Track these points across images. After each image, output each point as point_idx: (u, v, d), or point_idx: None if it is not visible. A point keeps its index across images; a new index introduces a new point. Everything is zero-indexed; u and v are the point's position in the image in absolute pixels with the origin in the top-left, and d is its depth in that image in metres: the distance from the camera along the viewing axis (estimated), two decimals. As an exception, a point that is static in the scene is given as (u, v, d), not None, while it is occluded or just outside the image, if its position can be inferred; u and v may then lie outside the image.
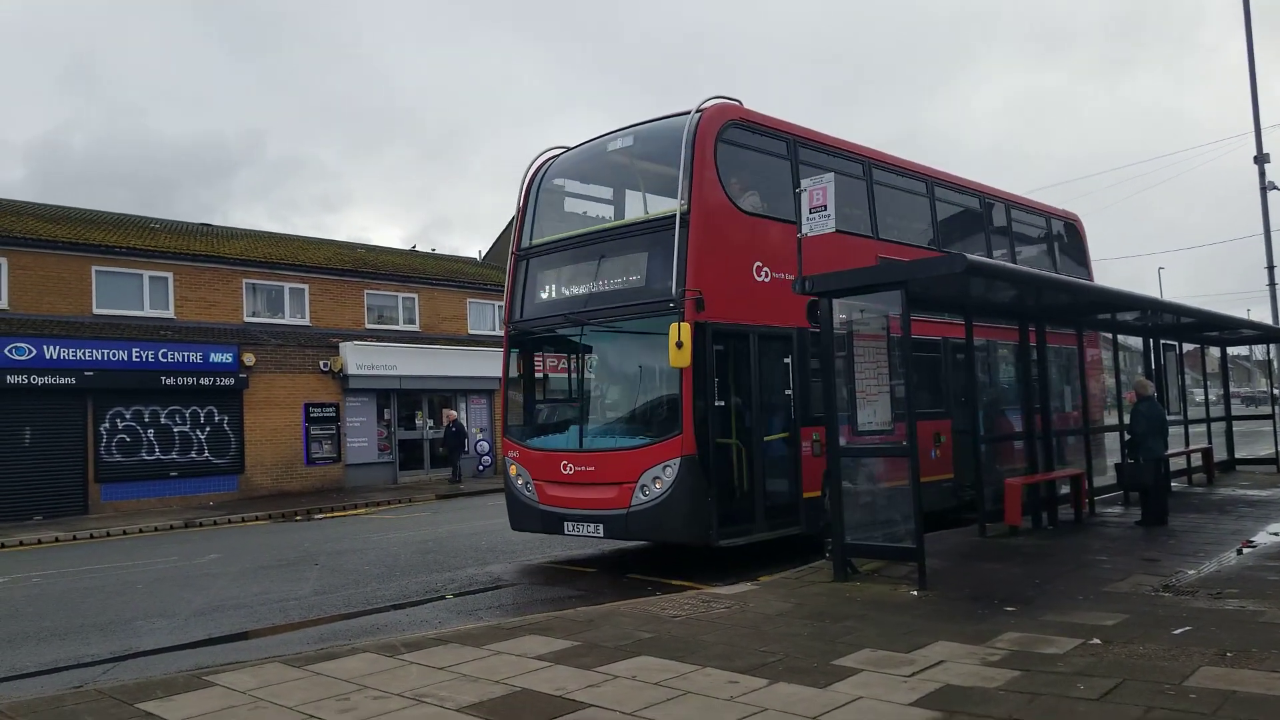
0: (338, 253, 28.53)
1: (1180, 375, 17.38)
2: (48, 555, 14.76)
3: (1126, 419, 12.86)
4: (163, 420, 21.65)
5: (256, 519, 19.02)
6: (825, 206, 9.28)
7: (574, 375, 11.44)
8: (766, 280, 10.61)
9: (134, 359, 20.99)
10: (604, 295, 10.65)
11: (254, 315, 24.42)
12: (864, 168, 12.23)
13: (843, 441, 8.70)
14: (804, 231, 9.48)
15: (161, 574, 12.01)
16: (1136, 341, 15.88)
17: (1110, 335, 14.81)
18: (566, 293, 11.13)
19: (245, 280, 24.30)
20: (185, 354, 21.87)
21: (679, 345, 9.27)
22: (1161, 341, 15.80)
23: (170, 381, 21.48)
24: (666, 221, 10.07)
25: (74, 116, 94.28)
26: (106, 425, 20.82)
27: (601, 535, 10.33)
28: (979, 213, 14.62)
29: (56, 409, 20.12)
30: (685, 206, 9.95)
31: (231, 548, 14.41)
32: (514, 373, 11.73)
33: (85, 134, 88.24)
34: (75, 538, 16.94)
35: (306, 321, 25.33)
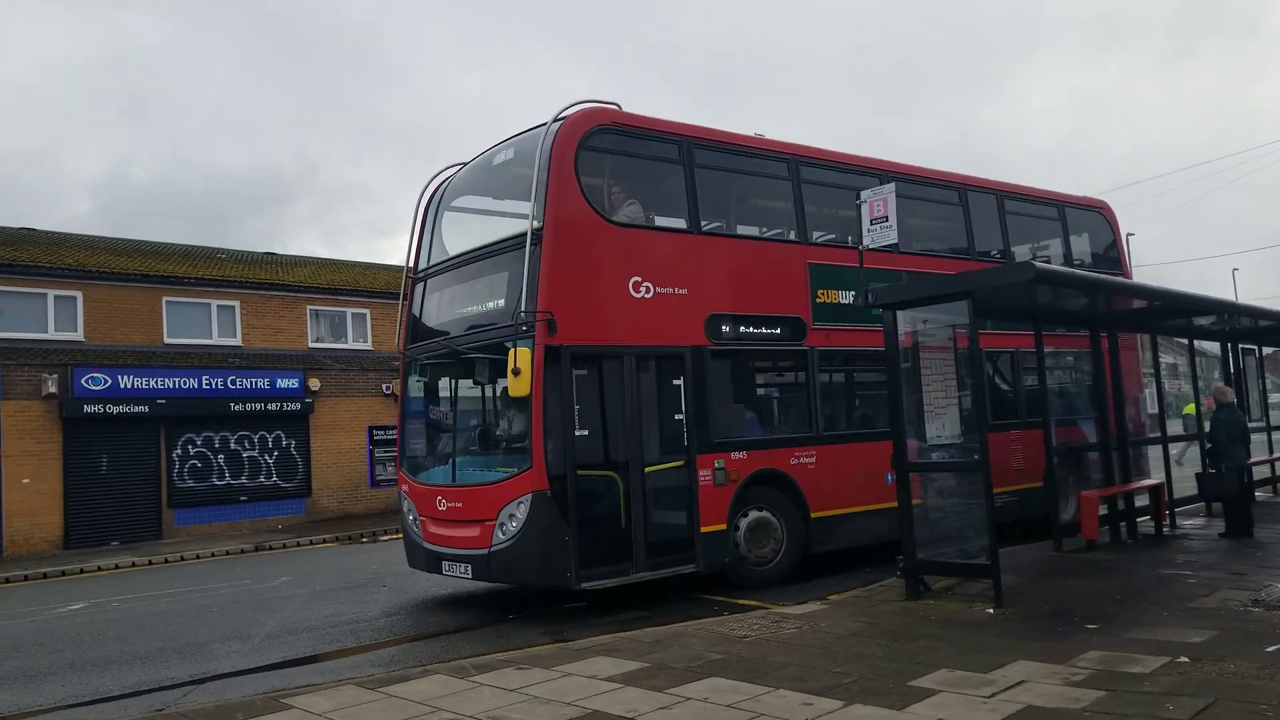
0: (396, 278, 28.83)
1: (1261, 380, 16.74)
2: (125, 580, 15.14)
3: (1204, 427, 12.45)
4: (232, 446, 22.15)
5: (324, 541, 19.32)
6: (886, 217, 9.18)
7: (450, 406, 10.88)
8: (648, 296, 9.73)
9: (204, 386, 21.54)
10: (473, 319, 10.08)
11: (318, 341, 24.90)
12: (789, 166, 11.24)
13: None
14: (865, 244, 9.36)
15: (235, 597, 12.24)
16: (1213, 347, 15.37)
17: (1186, 340, 14.34)
18: (446, 318, 10.62)
19: (309, 307, 24.81)
20: (253, 380, 22.38)
21: (515, 373, 8.64)
22: (1240, 346, 15.28)
23: (239, 408, 21.99)
24: (522, 240, 9.37)
25: (134, 151, 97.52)
26: (179, 451, 21.36)
27: (470, 577, 9.69)
28: (959, 207, 13.22)
29: (131, 436, 20.71)
30: (538, 223, 9.21)
31: (301, 570, 14.64)
32: (406, 403, 11.28)
33: (145, 167, 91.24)
34: (151, 562, 17.37)
35: (368, 346, 25.74)
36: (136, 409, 20.47)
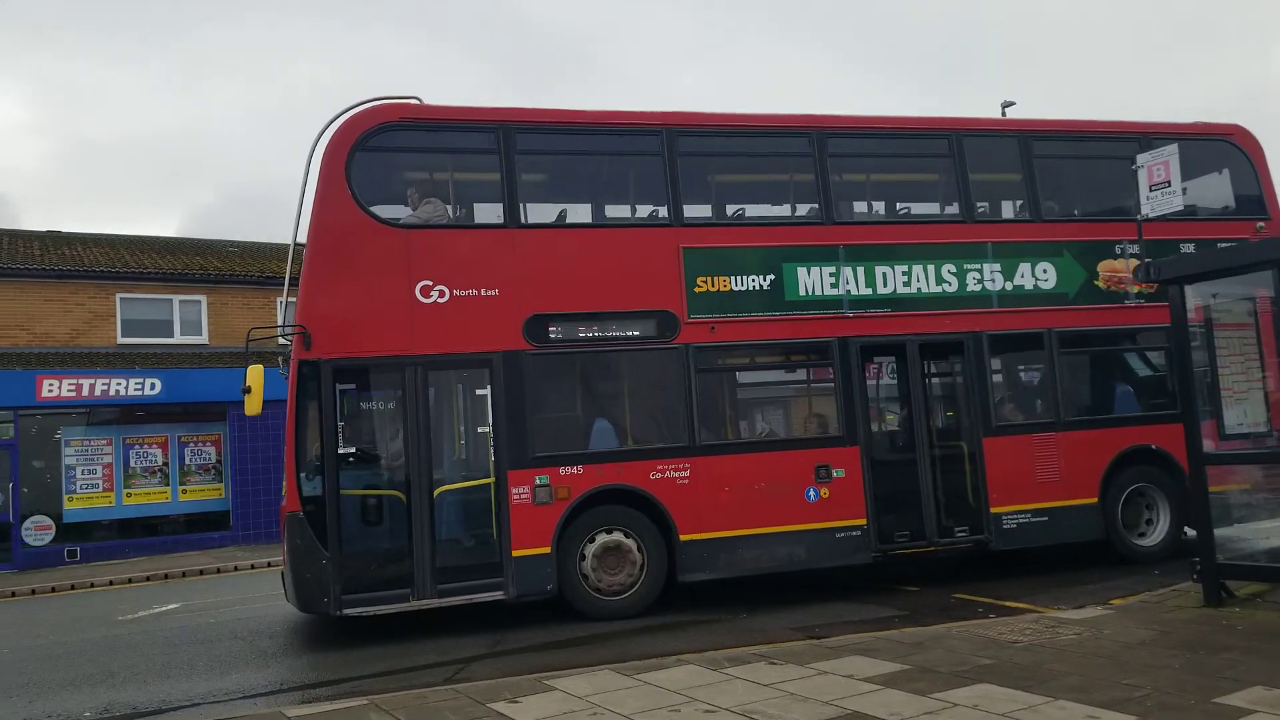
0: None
1: None
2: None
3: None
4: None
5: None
6: (1168, 182, 8.22)
7: None
8: (442, 301, 8.90)
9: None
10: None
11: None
12: (662, 138, 9.73)
13: (1209, 446, 7.61)
14: (1145, 213, 8.45)
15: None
16: None
17: None
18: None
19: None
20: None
21: (246, 391, 8.29)
22: None
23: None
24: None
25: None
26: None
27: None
28: (947, 158, 10.65)
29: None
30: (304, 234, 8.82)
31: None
32: None
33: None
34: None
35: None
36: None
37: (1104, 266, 10.53)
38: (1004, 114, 11.92)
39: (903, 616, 8.61)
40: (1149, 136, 10.93)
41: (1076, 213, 11.44)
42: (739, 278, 9.64)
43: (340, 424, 8.66)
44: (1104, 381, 11.25)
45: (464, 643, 8.48)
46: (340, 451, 8.59)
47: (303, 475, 8.51)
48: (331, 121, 8.95)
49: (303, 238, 9.20)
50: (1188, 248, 10.52)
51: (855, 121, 10.56)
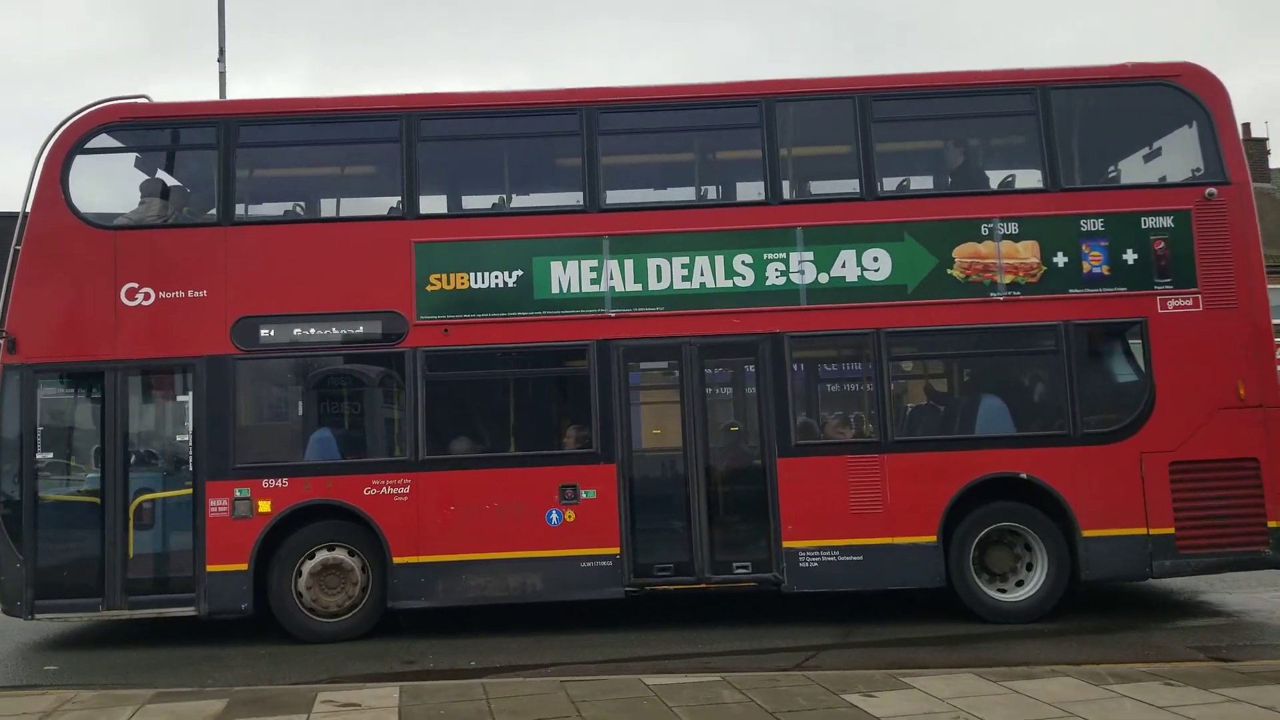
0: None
1: None
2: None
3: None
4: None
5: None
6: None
7: None
8: (147, 304, 8.55)
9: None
10: None
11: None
12: (401, 125, 8.79)
13: None
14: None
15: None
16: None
17: None
18: None
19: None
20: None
21: None
22: None
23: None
24: None
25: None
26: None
27: None
28: (754, 129, 8.86)
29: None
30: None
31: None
32: None
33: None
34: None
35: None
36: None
37: (963, 252, 8.58)
38: None
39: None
40: (1049, 87, 8.79)
41: (928, 186, 9.66)
42: (480, 275, 8.74)
43: (40, 429, 8.74)
44: (959, 394, 9.58)
45: (814, 631, 8.35)
46: (39, 456, 8.73)
47: (1, 479, 8.71)
48: (60, 125, 8.93)
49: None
50: (1095, 224, 8.53)
51: (638, 94, 9.34)
